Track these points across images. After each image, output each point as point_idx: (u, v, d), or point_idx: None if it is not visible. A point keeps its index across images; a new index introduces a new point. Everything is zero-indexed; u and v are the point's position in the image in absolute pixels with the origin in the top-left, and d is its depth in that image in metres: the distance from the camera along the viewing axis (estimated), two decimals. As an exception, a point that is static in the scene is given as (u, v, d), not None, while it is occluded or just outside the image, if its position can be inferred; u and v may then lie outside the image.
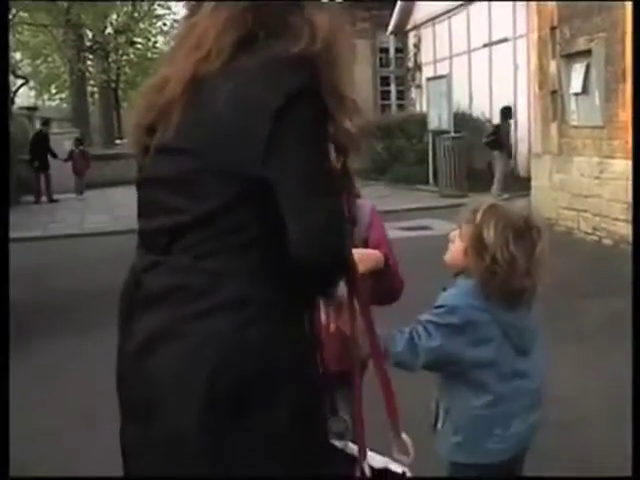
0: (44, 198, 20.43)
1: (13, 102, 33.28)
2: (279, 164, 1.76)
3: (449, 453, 2.64)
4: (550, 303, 7.32)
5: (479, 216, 2.50)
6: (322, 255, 1.80)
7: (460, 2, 20.15)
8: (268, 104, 1.74)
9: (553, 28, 11.49)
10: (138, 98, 1.99)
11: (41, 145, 20.98)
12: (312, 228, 1.78)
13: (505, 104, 17.07)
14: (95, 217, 16.04)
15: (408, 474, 2.14)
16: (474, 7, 19.79)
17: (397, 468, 2.15)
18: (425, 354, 2.46)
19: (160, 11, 34.75)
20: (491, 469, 2.60)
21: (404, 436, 2.25)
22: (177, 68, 1.85)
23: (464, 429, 2.59)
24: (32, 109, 33.26)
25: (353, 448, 2.12)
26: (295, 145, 1.77)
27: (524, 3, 14.98)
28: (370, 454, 2.12)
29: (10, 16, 24.53)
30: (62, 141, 22.73)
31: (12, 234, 13.56)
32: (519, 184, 15.58)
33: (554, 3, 11.37)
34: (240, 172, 1.78)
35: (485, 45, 19.32)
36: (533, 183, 12.74)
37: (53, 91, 41.81)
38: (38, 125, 26.10)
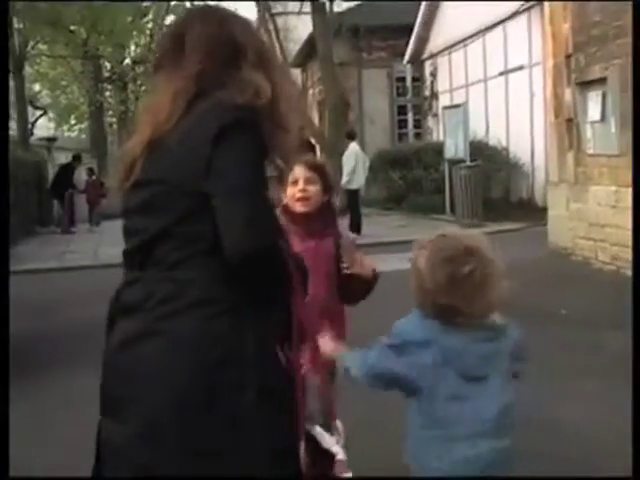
0: (57, 229, 20.45)
1: (32, 133, 33.51)
2: (213, 179, 2.11)
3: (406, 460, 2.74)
4: (568, 335, 7.26)
5: (420, 247, 2.68)
6: (246, 252, 2.09)
7: (476, 28, 20.08)
8: (209, 132, 2.13)
9: (568, 56, 11.36)
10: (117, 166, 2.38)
11: (65, 178, 21.10)
12: (235, 231, 2.09)
13: (521, 132, 16.98)
14: (109, 249, 15.96)
15: (339, 457, 2.61)
16: (490, 35, 19.74)
17: (338, 452, 2.64)
18: (368, 370, 2.65)
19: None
20: None
21: (338, 423, 2.93)
22: (139, 135, 2.28)
23: (413, 444, 2.70)
24: (51, 140, 33.39)
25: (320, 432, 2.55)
26: (227, 165, 2.12)
27: (539, 29, 14.88)
28: (324, 434, 2.62)
29: (28, 48, 24.75)
30: (80, 172, 22.84)
31: (26, 265, 13.55)
32: (536, 214, 15.43)
33: (568, 30, 11.25)
34: (188, 189, 2.15)
35: (501, 73, 19.24)
36: (550, 213, 12.56)
37: (72, 122, 42.03)
38: (57, 156, 26.22)
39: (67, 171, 21.54)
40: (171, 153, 2.19)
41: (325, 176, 3.72)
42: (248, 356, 2.16)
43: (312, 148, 18.02)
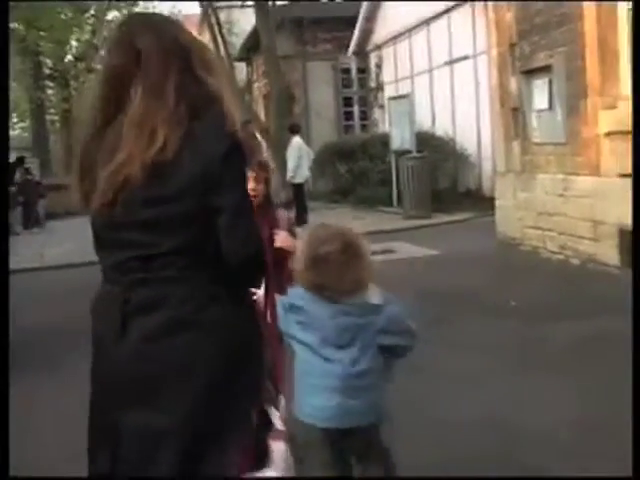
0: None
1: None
2: (221, 196, 2.42)
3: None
4: (517, 327, 7.16)
5: (301, 235, 3.48)
6: (244, 260, 2.47)
7: (420, 19, 20.00)
8: (217, 153, 2.41)
9: (512, 44, 11.28)
10: (99, 185, 2.46)
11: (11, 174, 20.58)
12: (237, 242, 2.45)
13: (467, 123, 16.91)
14: (54, 249, 15.60)
15: (277, 427, 2.85)
16: (434, 25, 19.66)
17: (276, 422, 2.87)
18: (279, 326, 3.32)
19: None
20: (311, 432, 3.21)
21: (280, 396, 3.36)
22: (132, 155, 2.39)
23: (296, 390, 3.30)
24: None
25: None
26: (231, 183, 2.45)
27: (484, 19, 14.79)
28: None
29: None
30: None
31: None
32: (484, 204, 15.38)
33: (512, 18, 11.16)
34: (199, 205, 2.41)
35: (446, 63, 19.17)
36: (497, 202, 12.48)
37: (14, 120, 41.24)
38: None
39: (12, 168, 20.96)
40: (180, 173, 2.40)
41: (267, 172, 4.15)
42: (257, 341, 2.64)
43: (257, 142, 17.81)
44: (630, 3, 8.46)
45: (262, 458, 2.79)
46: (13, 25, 20.90)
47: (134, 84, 2.46)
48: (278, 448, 2.87)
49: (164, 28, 2.55)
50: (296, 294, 3.28)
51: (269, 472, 2.80)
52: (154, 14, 2.84)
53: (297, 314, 3.25)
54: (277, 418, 2.94)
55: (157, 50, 2.47)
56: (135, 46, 2.48)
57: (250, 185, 3.71)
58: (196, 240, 2.45)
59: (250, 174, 3.78)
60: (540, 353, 6.32)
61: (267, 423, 2.85)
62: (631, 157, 7.22)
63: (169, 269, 2.44)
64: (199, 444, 2.46)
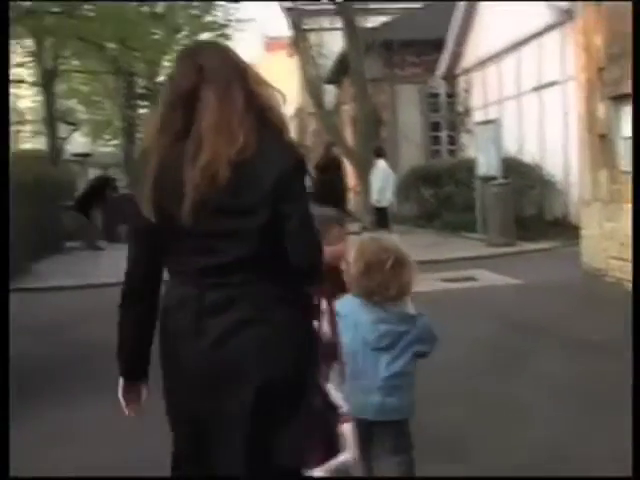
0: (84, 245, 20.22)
1: (63, 149, 33.54)
2: (290, 206, 2.67)
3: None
4: (597, 362, 6.87)
5: (353, 247, 3.74)
6: (312, 263, 2.78)
7: (510, 43, 19.70)
8: (288, 164, 2.70)
9: (600, 69, 10.96)
10: (196, 177, 2.65)
11: (93, 196, 20.91)
12: (303, 247, 2.72)
13: (555, 149, 16.55)
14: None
15: (343, 410, 3.23)
16: (523, 50, 19.33)
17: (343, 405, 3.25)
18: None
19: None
20: (362, 424, 3.49)
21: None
22: (217, 153, 2.62)
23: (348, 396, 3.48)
24: (85, 155, 33.43)
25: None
26: (298, 194, 2.73)
27: (574, 44, 14.46)
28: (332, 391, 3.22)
29: (59, 63, 24.72)
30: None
31: (45, 283, 13.33)
32: (571, 232, 14.99)
33: (601, 42, 10.84)
34: (271, 219, 2.67)
35: (535, 89, 18.82)
36: (583, 232, 12.13)
37: (107, 137, 42.02)
38: (93, 172, 26.15)
39: (96, 189, 21.35)
40: (255, 185, 2.65)
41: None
42: (316, 340, 2.98)
43: (339, 164, 17.72)
44: None
45: (335, 445, 3.21)
46: (105, 44, 21.39)
47: (202, 97, 2.71)
48: (347, 430, 3.22)
49: (219, 48, 2.93)
50: (344, 302, 3.63)
51: (344, 455, 3.20)
52: (216, 42, 3.26)
53: (345, 320, 3.56)
54: (341, 400, 3.25)
55: (219, 64, 2.76)
56: (198, 63, 2.76)
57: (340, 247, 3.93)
58: (265, 247, 2.69)
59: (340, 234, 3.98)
60: (617, 391, 6.00)
61: (332, 408, 3.19)
62: (632, 157, 6.88)
63: (240, 274, 2.69)
64: (267, 433, 2.72)
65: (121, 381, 2.96)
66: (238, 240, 2.68)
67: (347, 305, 3.64)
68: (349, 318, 3.61)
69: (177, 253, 2.78)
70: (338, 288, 3.97)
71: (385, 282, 3.59)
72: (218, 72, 2.74)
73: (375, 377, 3.64)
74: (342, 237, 4.13)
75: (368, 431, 3.63)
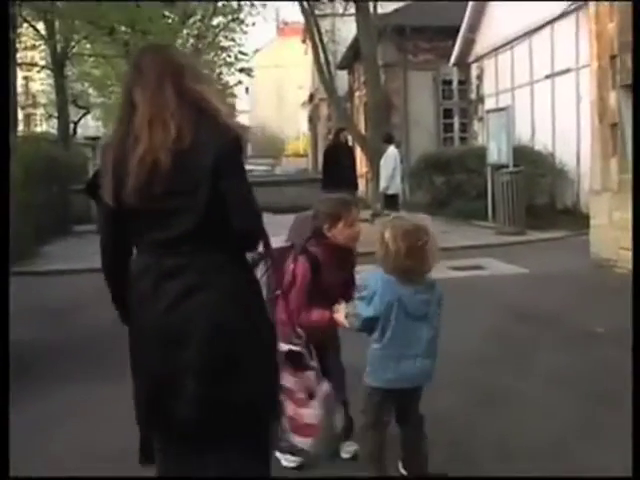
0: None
1: (75, 132, 33.43)
2: (229, 182, 3.04)
3: (364, 378, 4.12)
4: (602, 355, 6.79)
5: (382, 224, 4.04)
6: (254, 228, 3.14)
7: (523, 30, 19.55)
8: (223, 146, 3.04)
9: (613, 56, 10.83)
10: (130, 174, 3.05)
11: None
12: (244, 218, 3.08)
13: (568, 138, 16.42)
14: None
15: (302, 350, 3.74)
16: (536, 37, 19.21)
17: (296, 348, 3.74)
18: (357, 320, 4.07)
19: (225, 43, 34.59)
20: (390, 393, 4.08)
21: (299, 330, 3.85)
22: (154, 144, 3.00)
23: (371, 363, 4.10)
24: (96, 139, 33.35)
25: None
26: (236, 171, 3.11)
27: (588, 31, 14.33)
28: (280, 344, 3.54)
29: (71, 46, 24.65)
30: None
31: (53, 266, 13.27)
32: (582, 222, 14.88)
33: (614, 29, 10.70)
34: (212, 195, 3.00)
35: (547, 76, 18.68)
36: (592, 222, 12.02)
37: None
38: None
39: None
40: (195, 168, 3.00)
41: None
42: (261, 298, 3.31)
43: (349, 150, 17.62)
44: None
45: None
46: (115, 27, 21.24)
47: (138, 95, 3.10)
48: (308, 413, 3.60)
49: (163, 52, 3.28)
50: (375, 279, 3.99)
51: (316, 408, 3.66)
52: (162, 45, 3.69)
53: (383, 298, 3.92)
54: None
55: (154, 65, 3.14)
56: (137, 64, 3.20)
57: (356, 227, 4.47)
58: (210, 220, 3.01)
59: (356, 214, 4.49)
60: (619, 386, 5.92)
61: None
62: (632, 156, 6.79)
63: (188, 245, 3.04)
64: (221, 380, 3.05)
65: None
66: (184, 216, 3.02)
67: (383, 283, 3.96)
68: (386, 294, 3.93)
69: (138, 230, 3.14)
70: (350, 265, 4.56)
71: (424, 260, 3.93)
72: (151, 72, 3.11)
73: (418, 344, 4.02)
74: (357, 219, 4.51)
75: (396, 399, 4.12)
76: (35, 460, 4.98)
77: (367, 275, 4.15)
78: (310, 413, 3.61)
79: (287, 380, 3.62)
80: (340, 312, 4.27)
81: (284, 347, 3.59)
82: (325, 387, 3.77)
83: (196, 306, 3.03)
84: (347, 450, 4.69)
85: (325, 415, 3.70)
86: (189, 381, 3.03)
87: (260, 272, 3.42)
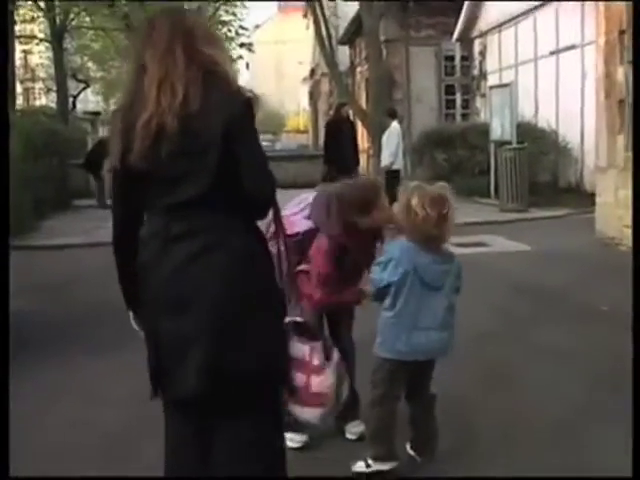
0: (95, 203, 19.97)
1: (74, 106, 33.23)
2: (241, 147, 2.95)
3: (375, 349, 4.03)
4: (605, 333, 6.71)
5: (407, 190, 3.92)
6: (266, 194, 3.07)
7: (527, 6, 19.36)
8: (233, 111, 2.93)
9: (622, 32, 10.68)
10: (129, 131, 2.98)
11: (100, 154, 20.55)
12: (258, 182, 3.00)
13: (572, 115, 16.27)
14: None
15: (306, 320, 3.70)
16: (541, 13, 19.01)
17: (298, 319, 3.63)
18: (373, 286, 4.04)
19: (225, 17, 34.31)
20: (402, 365, 3.98)
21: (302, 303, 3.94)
22: (161, 107, 2.93)
23: (382, 332, 4.01)
24: (95, 114, 33.15)
25: None
26: (248, 136, 3.01)
27: (593, 7, 14.17)
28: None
29: (70, 19, 24.46)
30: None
31: (52, 240, 13.19)
32: (585, 200, 14.78)
33: (623, 4, 10.54)
34: (223, 159, 2.92)
35: (552, 53, 18.51)
36: (597, 199, 11.92)
37: (119, 96, 41.63)
38: (101, 130, 25.91)
39: (103, 146, 20.89)
40: (205, 131, 2.91)
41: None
42: (270, 261, 3.21)
43: (351, 124, 17.45)
44: None
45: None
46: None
47: (147, 58, 3.03)
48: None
49: (175, 15, 3.16)
50: (397, 246, 3.94)
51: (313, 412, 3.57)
52: (175, 8, 3.47)
53: (398, 263, 3.86)
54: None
55: (164, 28, 3.05)
56: (149, 29, 3.12)
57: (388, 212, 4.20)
58: (220, 185, 2.94)
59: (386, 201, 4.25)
60: (621, 366, 5.81)
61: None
62: (632, 154, 6.69)
63: (199, 208, 2.97)
64: (230, 348, 2.96)
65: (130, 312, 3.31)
66: (194, 180, 2.95)
67: (402, 250, 3.90)
68: (403, 262, 3.86)
69: (148, 195, 3.07)
70: (379, 238, 4.38)
71: (447, 229, 3.85)
72: (162, 34, 3.03)
73: (435, 315, 3.94)
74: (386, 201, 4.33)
75: (408, 372, 4.04)
76: (34, 435, 4.90)
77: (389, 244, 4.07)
78: (321, 381, 3.49)
79: (297, 349, 3.50)
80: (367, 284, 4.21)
81: (287, 319, 3.43)
82: (336, 355, 3.71)
83: (204, 268, 2.96)
84: (353, 431, 4.57)
85: (335, 384, 3.63)
86: (196, 349, 2.95)
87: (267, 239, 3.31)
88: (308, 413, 3.56)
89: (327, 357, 3.65)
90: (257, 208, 3.10)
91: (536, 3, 18.77)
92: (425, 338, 3.92)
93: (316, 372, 3.44)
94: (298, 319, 3.65)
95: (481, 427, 4.82)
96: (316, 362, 3.49)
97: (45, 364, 6.36)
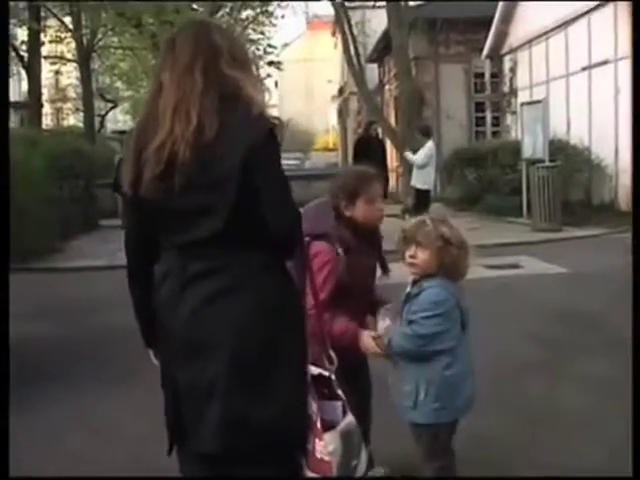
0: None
1: (102, 126, 33.29)
2: (262, 178, 2.72)
3: (421, 418, 3.46)
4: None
5: (435, 226, 3.47)
6: (290, 234, 2.85)
7: (558, 21, 19.08)
8: (253, 139, 2.68)
9: (657, 46, 10.35)
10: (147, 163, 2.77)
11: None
12: (280, 218, 2.77)
13: (605, 131, 15.94)
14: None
15: (332, 377, 3.21)
16: (572, 28, 18.70)
17: (326, 373, 3.20)
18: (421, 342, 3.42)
19: (254, 36, 34.31)
20: (452, 426, 3.55)
21: (331, 352, 3.29)
22: (173, 134, 2.70)
23: (440, 397, 3.42)
24: (124, 133, 33.19)
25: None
26: (270, 166, 2.77)
27: (626, 21, 13.86)
28: (310, 366, 3.04)
29: (97, 39, 24.51)
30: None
31: (74, 263, 13.03)
32: (620, 219, 14.43)
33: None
34: (243, 192, 2.69)
35: (584, 68, 18.19)
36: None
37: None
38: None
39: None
40: (221, 161, 2.67)
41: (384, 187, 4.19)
42: (299, 303, 2.96)
43: (380, 142, 17.23)
44: None
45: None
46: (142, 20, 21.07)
47: (165, 77, 2.82)
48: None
49: (199, 30, 2.90)
50: (441, 290, 3.46)
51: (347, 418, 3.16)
52: (200, 22, 3.19)
53: (453, 311, 3.46)
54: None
55: (187, 45, 2.82)
56: (172, 42, 2.88)
57: (378, 205, 3.88)
58: (240, 220, 2.71)
59: (379, 190, 3.93)
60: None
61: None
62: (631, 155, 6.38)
63: (217, 247, 2.75)
64: (248, 400, 2.74)
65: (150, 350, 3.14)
66: (210, 215, 2.73)
67: (449, 292, 3.47)
68: (453, 306, 3.47)
69: (161, 231, 2.89)
70: (376, 250, 3.97)
71: (469, 262, 3.52)
72: (183, 52, 2.81)
73: (467, 361, 3.54)
74: (379, 195, 3.95)
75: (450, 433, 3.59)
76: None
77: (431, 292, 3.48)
78: (323, 446, 2.99)
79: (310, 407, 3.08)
80: (368, 336, 3.68)
81: (314, 370, 3.10)
82: (349, 421, 3.19)
83: (221, 313, 2.76)
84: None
85: (343, 453, 3.09)
86: (214, 400, 2.75)
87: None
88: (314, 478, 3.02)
89: (334, 422, 3.15)
90: (280, 246, 2.85)
91: (567, 17, 18.46)
92: (470, 389, 3.55)
93: (318, 435, 2.97)
94: (325, 373, 3.23)
95: (524, 472, 4.50)
96: (318, 424, 3.00)
97: (53, 398, 6.11)
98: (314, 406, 2.98)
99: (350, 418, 3.21)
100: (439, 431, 3.50)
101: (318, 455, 2.95)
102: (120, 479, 4.41)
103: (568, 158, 16.98)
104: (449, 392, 3.43)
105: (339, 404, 3.22)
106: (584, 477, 3.95)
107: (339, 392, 3.22)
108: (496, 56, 24.06)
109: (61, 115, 45.92)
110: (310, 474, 2.95)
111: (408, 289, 3.58)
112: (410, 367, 3.48)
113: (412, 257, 3.49)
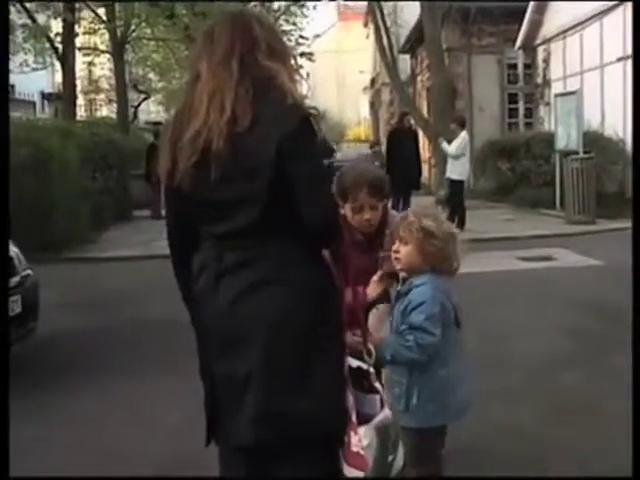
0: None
1: (135, 116, 33.36)
2: (298, 167, 2.68)
3: (425, 421, 3.22)
4: None
5: (417, 219, 3.27)
6: (322, 225, 2.75)
7: (593, 11, 18.90)
8: (287, 129, 2.66)
9: (695, 37, 10.23)
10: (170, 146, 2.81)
11: (152, 160, 20.36)
12: (315, 209, 2.71)
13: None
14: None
15: (371, 370, 3.19)
16: (607, 18, 18.52)
17: (365, 366, 3.17)
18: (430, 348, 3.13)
19: (286, 27, 34.28)
20: (443, 429, 3.33)
21: (370, 346, 3.17)
22: (207, 124, 2.70)
23: (434, 398, 3.20)
24: (157, 124, 33.27)
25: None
26: (305, 154, 2.72)
27: (663, 12, 13.70)
28: (349, 358, 3.00)
29: (130, 31, 24.58)
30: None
31: (107, 253, 13.10)
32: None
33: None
34: (278, 182, 2.66)
35: (619, 59, 17.99)
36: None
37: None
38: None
39: (153, 151, 20.41)
40: (256, 152, 2.66)
41: (385, 193, 3.85)
42: (335, 297, 2.91)
43: (413, 133, 17.16)
44: None
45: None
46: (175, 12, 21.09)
47: (202, 66, 2.81)
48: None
49: (238, 21, 2.88)
50: (431, 287, 3.24)
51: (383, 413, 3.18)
52: (240, 12, 3.07)
53: (446, 308, 3.24)
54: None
55: (225, 34, 2.82)
56: (211, 32, 2.88)
57: (366, 215, 3.74)
58: (276, 210, 2.70)
59: (365, 199, 3.73)
60: None
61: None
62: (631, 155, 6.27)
63: (253, 237, 2.73)
64: (286, 392, 2.71)
65: None
66: (246, 206, 2.72)
67: (436, 288, 3.24)
68: (446, 302, 3.25)
69: (198, 221, 2.89)
70: (377, 245, 3.80)
71: (458, 254, 3.32)
72: (221, 42, 2.81)
73: (461, 362, 3.34)
74: (369, 205, 3.78)
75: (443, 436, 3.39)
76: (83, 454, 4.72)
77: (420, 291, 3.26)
78: (358, 441, 2.96)
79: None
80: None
81: (353, 362, 3.08)
82: (385, 415, 3.21)
83: (257, 304, 2.72)
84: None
85: (379, 448, 3.14)
86: (250, 392, 2.74)
87: None
88: (350, 473, 2.99)
89: (370, 416, 3.17)
90: (317, 236, 2.79)
91: (602, 7, 18.27)
92: (466, 390, 3.34)
93: (353, 429, 2.93)
94: (364, 366, 3.19)
95: (559, 466, 4.46)
96: (354, 418, 2.95)
97: (85, 388, 6.14)
98: (350, 399, 2.93)
99: (387, 412, 3.21)
100: (433, 434, 3.31)
101: (354, 448, 2.91)
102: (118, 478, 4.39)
103: (602, 150, 16.85)
104: (444, 395, 3.25)
105: (377, 397, 3.22)
106: (583, 477, 3.91)
107: (377, 385, 3.21)
108: (529, 47, 23.90)
109: (94, 106, 46.13)
110: (347, 467, 2.92)
111: (398, 287, 3.47)
112: (400, 369, 3.30)
113: (396, 252, 3.36)
